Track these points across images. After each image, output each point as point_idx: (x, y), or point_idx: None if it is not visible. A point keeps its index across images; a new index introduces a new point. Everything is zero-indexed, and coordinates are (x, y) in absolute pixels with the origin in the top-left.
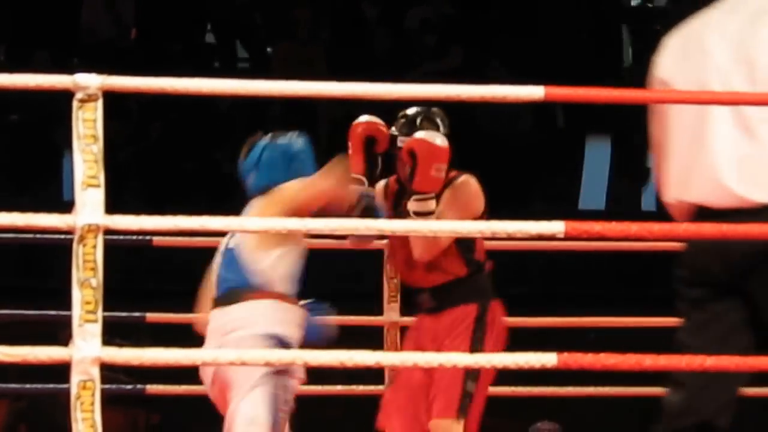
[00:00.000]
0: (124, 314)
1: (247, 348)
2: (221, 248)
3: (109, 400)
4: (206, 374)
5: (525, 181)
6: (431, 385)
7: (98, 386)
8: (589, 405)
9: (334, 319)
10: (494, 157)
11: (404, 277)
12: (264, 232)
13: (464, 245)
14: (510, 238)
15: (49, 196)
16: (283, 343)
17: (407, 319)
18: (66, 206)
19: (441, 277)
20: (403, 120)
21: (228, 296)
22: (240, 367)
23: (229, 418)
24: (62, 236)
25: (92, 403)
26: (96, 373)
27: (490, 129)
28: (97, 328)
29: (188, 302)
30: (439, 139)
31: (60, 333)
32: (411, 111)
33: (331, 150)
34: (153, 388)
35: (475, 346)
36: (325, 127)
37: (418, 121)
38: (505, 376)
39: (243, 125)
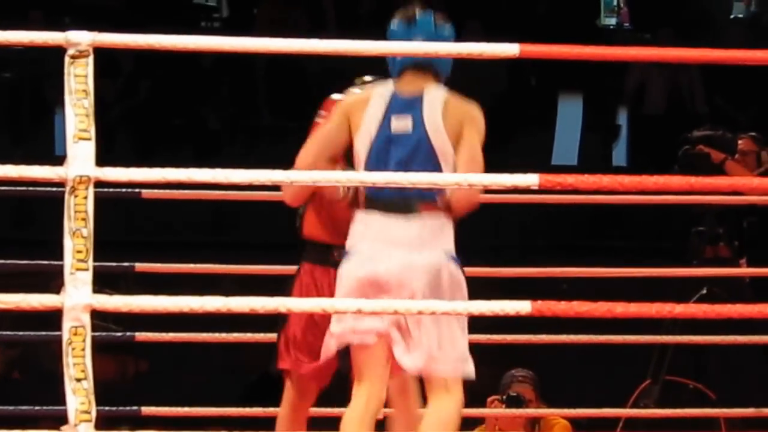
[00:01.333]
0: (113, 264)
1: (449, 266)
2: (372, 136)
3: (98, 348)
4: (379, 278)
5: (499, 138)
6: None
7: (89, 332)
8: (562, 353)
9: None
10: None
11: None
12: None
13: None
14: (486, 190)
15: (41, 150)
16: (458, 262)
17: None
18: (58, 161)
19: None
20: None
21: (406, 205)
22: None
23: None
24: (53, 188)
25: (83, 349)
26: (87, 319)
27: (464, 88)
28: (87, 276)
29: (174, 253)
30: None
31: (51, 284)
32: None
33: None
34: (142, 336)
35: None
36: (315, 81)
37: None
38: (479, 323)
39: (227, 82)
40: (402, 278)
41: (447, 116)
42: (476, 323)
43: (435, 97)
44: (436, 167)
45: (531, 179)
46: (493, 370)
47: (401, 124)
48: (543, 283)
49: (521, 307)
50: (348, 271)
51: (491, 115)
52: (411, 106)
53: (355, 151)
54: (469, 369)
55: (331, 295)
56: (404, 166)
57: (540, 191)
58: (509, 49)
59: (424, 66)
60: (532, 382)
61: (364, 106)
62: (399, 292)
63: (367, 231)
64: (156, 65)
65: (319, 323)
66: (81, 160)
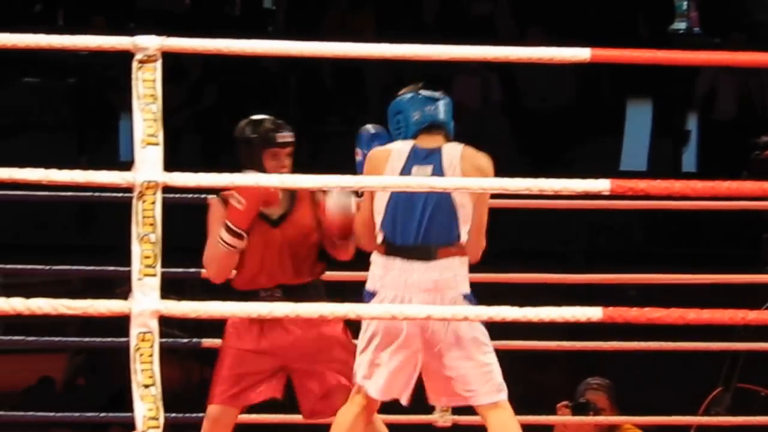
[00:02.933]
0: (179, 270)
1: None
2: (398, 196)
3: (163, 354)
4: (398, 329)
5: (567, 144)
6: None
7: (157, 338)
8: (633, 360)
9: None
10: (537, 121)
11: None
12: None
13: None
14: (556, 195)
15: (106, 156)
16: (473, 301)
17: None
18: (122, 167)
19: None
20: None
21: (427, 250)
22: (466, 326)
23: (462, 371)
24: (120, 194)
25: (151, 355)
26: (155, 325)
27: (532, 94)
28: (155, 282)
29: None
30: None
31: (117, 290)
32: None
33: (381, 113)
34: (208, 342)
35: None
36: (375, 91)
37: None
38: (550, 330)
39: (294, 87)
40: (424, 324)
41: (464, 167)
42: (546, 330)
43: (453, 148)
44: (453, 214)
45: (602, 184)
46: (566, 377)
47: (421, 171)
48: (610, 290)
49: (592, 313)
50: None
51: (559, 121)
52: (431, 156)
53: (376, 200)
54: (504, 395)
55: (261, 331)
56: (422, 213)
57: (610, 197)
58: (580, 54)
59: (439, 126)
60: (607, 390)
61: (385, 160)
62: (422, 338)
63: (388, 276)
64: (222, 71)
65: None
66: (149, 166)
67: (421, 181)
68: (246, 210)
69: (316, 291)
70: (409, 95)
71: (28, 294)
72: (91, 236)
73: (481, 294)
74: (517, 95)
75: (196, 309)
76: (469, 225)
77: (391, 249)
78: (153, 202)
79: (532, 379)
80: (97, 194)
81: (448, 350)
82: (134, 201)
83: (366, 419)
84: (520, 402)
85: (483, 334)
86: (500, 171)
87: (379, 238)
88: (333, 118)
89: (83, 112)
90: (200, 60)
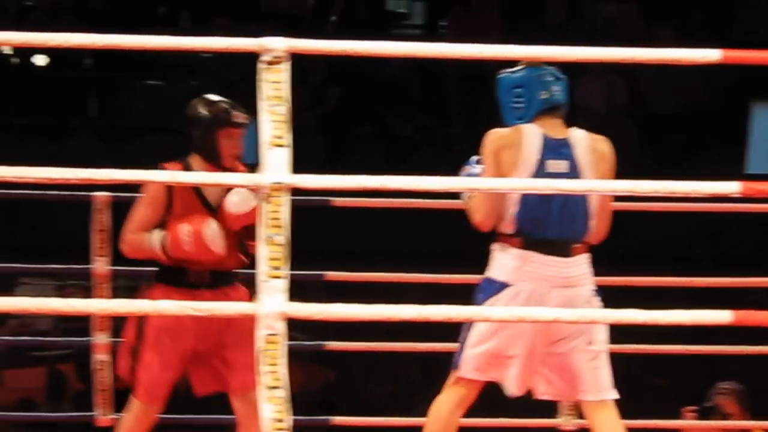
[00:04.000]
0: (302, 273)
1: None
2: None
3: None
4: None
5: (691, 146)
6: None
7: (283, 340)
8: (763, 364)
9: None
10: (661, 124)
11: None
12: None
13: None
14: (685, 198)
15: None
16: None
17: None
18: (248, 168)
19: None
20: None
21: (564, 245)
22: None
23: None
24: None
25: (277, 357)
26: (281, 327)
27: (657, 96)
28: (282, 284)
29: (360, 262)
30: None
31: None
32: None
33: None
34: (332, 345)
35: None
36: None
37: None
38: (676, 333)
39: (417, 90)
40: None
41: (592, 159)
42: (673, 333)
43: (581, 139)
44: (586, 209)
45: (732, 187)
46: (694, 380)
47: (558, 165)
48: (734, 293)
49: (720, 316)
50: (511, 304)
51: (684, 123)
52: (562, 148)
53: None
54: (613, 394)
55: (192, 318)
56: (561, 208)
57: (735, 199)
58: (710, 55)
59: (561, 108)
60: (736, 395)
61: (517, 145)
62: (546, 332)
63: (526, 269)
64: (345, 73)
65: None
66: (276, 167)
67: (557, 184)
68: (187, 252)
69: (237, 278)
70: (533, 69)
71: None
72: None
73: (605, 297)
74: (642, 97)
75: (322, 311)
76: (594, 218)
77: (527, 242)
78: (280, 204)
79: (654, 383)
80: None
81: (566, 343)
82: (261, 203)
83: (462, 412)
84: (644, 405)
85: (604, 333)
86: (625, 173)
87: (511, 229)
88: (456, 121)
89: None
90: (323, 61)
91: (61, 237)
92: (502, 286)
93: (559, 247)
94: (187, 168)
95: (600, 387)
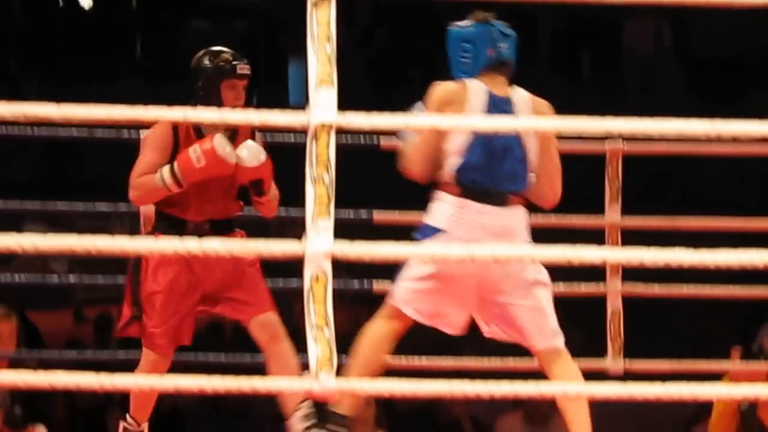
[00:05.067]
0: (350, 213)
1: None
2: (477, 141)
3: (333, 297)
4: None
5: (740, 90)
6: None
7: (330, 280)
8: None
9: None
10: (709, 67)
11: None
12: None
13: None
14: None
15: (276, 100)
16: None
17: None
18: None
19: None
20: None
21: (501, 196)
22: (531, 270)
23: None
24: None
25: (324, 297)
26: (328, 267)
27: (705, 39)
28: (329, 223)
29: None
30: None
31: (287, 233)
32: None
33: (552, 58)
34: (380, 286)
35: None
36: (546, 36)
37: None
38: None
39: None
40: (487, 265)
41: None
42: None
43: (522, 98)
44: (525, 163)
45: None
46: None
47: None
48: None
49: None
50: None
51: (732, 67)
52: (505, 105)
53: (449, 138)
54: (560, 341)
55: (192, 265)
56: (501, 158)
57: None
58: None
59: (507, 65)
60: None
61: (461, 101)
62: (481, 278)
63: (462, 217)
64: (392, 15)
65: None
66: (323, 107)
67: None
68: (200, 170)
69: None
70: (482, 25)
71: None
72: None
73: (652, 240)
74: (689, 40)
75: (370, 251)
76: (533, 172)
77: (465, 191)
78: (327, 144)
79: (703, 327)
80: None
81: (508, 293)
82: (308, 142)
83: (393, 340)
84: (690, 349)
85: (546, 278)
86: (672, 116)
87: (450, 178)
88: None
89: (252, 56)
90: (370, 3)
91: (108, 177)
92: (438, 232)
93: (496, 197)
94: None
95: (545, 335)
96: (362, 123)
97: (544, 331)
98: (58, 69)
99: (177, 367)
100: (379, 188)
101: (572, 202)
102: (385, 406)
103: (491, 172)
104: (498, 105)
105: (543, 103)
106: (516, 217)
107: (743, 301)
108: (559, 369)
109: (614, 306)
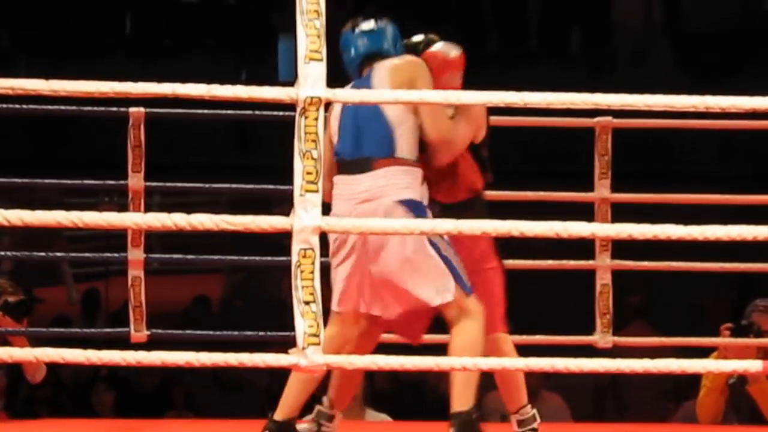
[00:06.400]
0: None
1: (390, 215)
2: (339, 115)
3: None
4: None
5: (730, 65)
6: None
7: (318, 255)
8: None
9: (550, 195)
10: (699, 41)
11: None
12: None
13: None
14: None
15: (265, 75)
16: (419, 208)
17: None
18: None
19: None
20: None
21: (361, 163)
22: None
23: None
24: (279, 113)
25: (312, 272)
26: (316, 241)
27: (695, 13)
28: (317, 198)
29: None
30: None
31: (274, 210)
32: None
33: (541, 35)
34: None
35: None
36: (535, 14)
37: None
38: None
39: (454, 10)
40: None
41: (394, 79)
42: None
43: (382, 66)
44: (387, 128)
45: None
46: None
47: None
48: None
49: (761, 231)
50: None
51: (722, 41)
52: (365, 81)
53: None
54: (450, 296)
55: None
56: (355, 129)
57: None
58: None
59: (376, 55)
60: None
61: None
62: (364, 245)
63: (337, 193)
64: None
65: None
66: (312, 81)
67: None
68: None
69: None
70: (344, 33)
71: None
72: (252, 156)
73: (641, 213)
74: (679, 15)
75: (358, 225)
76: (414, 137)
77: (338, 167)
78: (316, 119)
79: (694, 302)
80: (257, 113)
81: (379, 264)
82: (297, 117)
83: (348, 344)
84: (683, 324)
85: (425, 239)
86: (661, 91)
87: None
88: (492, 41)
89: (243, 31)
90: None
91: (97, 153)
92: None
93: (355, 166)
94: None
95: (437, 291)
96: (352, 97)
97: (428, 291)
98: (43, 47)
99: (168, 344)
100: None
101: (563, 177)
102: (371, 383)
103: (348, 142)
104: (359, 83)
105: (408, 63)
106: (377, 180)
107: (735, 276)
108: (453, 327)
109: (603, 281)
